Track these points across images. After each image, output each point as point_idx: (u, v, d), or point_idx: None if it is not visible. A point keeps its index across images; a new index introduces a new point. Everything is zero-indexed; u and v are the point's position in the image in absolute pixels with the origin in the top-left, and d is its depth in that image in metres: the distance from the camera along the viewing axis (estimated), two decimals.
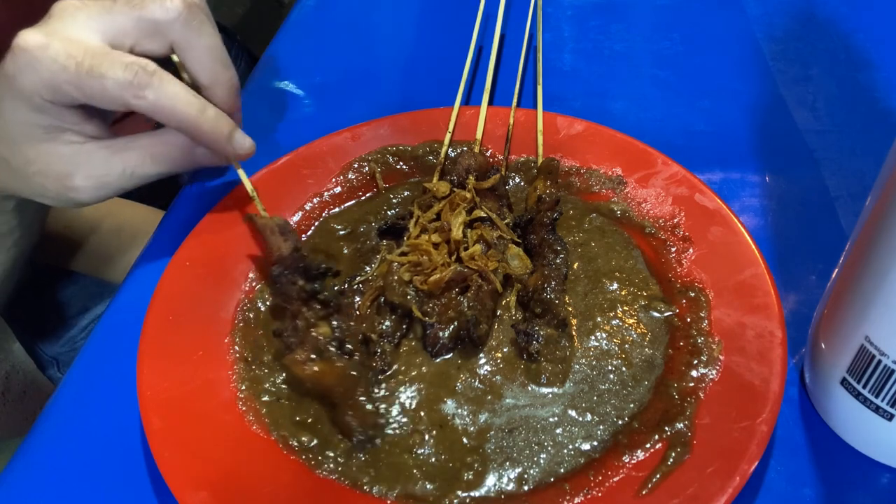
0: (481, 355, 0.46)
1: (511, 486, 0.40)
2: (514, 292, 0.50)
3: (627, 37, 0.77)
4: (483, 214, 0.52)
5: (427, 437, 0.43)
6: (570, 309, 0.48)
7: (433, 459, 0.42)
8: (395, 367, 0.46)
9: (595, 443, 0.42)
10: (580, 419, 0.43)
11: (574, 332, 0.47)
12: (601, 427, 0.42)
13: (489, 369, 0.46)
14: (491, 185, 0.53)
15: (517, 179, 0.58)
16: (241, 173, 0.52)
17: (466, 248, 0.49)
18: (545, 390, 0.44)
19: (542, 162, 0.57)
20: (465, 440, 0.42)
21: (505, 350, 0.47)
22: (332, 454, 0.42)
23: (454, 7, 0.79)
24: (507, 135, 0.59)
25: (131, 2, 0.46)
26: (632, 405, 0.43)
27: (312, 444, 0.42)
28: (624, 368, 0.45)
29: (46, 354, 0.89)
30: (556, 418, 0.43)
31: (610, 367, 0.45)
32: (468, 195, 0.52)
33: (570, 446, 0.42)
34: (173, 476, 0.39)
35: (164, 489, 0.40)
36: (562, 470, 0.41)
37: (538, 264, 0.50)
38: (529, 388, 0.45)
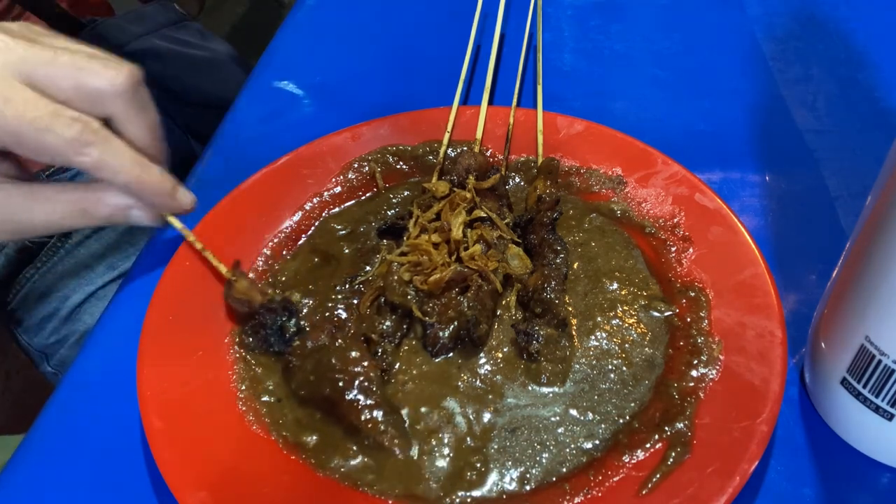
0: (482, 355, 0.46)
1: (513, 486, 0.40)
2: (514, 292, 0.50)
3: (627, 37, 0.77)
4: (483, 214, 0.52)
5: (429, 436, 0.43)
6: (570, 309, 0.48)
7: (435, 459, 0.42)
8: (395, 366, 0.46)
9: (597, 441, 0.42)
10: (581, 418, 0.43)
11: (574, 332, 0.47)
12: (602, 426, 0.42)
13: (490, 369, 0.46)
14: (491, 185, 0.53)
15: (517, 179, 0.58)
16: (182, 228, 0.50)
17: (466, 248, 0.49)
18: (546, 390, 0.44)
19: (542, 162, 0.57)
20: (468, 440, 0.42)
21: (505, 350, 0.47)
22: (333, 453, 0.42)
23: (454, 7, 0.79)
24: (507, 135, 0.59)
25: (76, 62, 0.43)
26: (632, 404, 0.43)
27: (314, 443, 0.42)
28: (624, 368, 0.45)
29: (34, 349, 0.89)
30: (557, 417, 0.43)
31: (610, 367, 0.45)
32: (468, 195, 0.52)
33: (572, 445, 0.42)
34: (173, 476, 0.39)
35: (164, 489, 0.40)
36: (564, 469, 0.41)
37: (538, 264, 0.50)
38: (530, 388, 0.45)
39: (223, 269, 0.49)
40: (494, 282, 0.48)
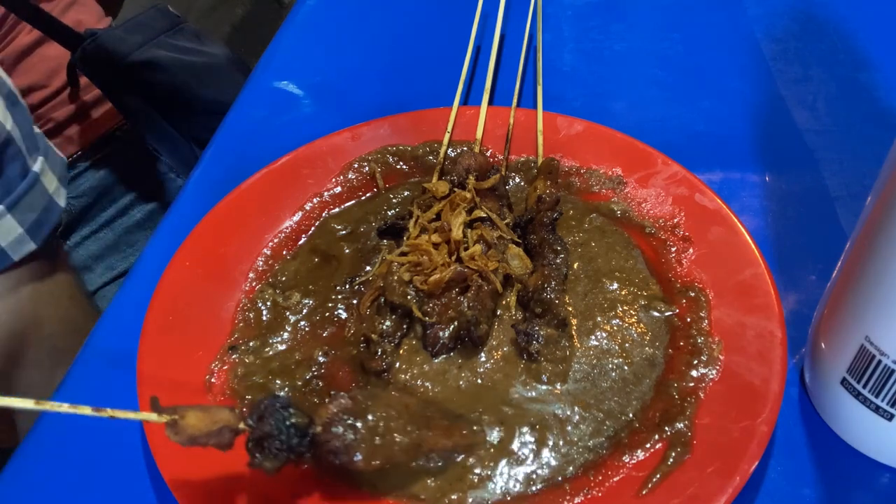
0: (482, 355, 0.46)
1: (516, 487, 0.40)
2: (513, 292, 0.50)
3: (627, 37, 0.77)
4: (483, 214, 0.51)
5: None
6: (570, 309, 0.48)
7: (437, 459, 0.42)
8: (395, 366, 0.46)
9: (600, 439, 0.42)
10: (584, 417, 0.43)
11: (574, 332, 0.47)
12: (607, 423, 0.42)
13: (490, 368, 0.46)
14: (491, 185, 0.53)
15: (517, 179, 0.58)
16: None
17: (466, 248, 0.49)
18: (547, 389, 0.44)
19: (542, 162, 0.57)
20: (469, 440, 0.42)
21: (505, 350, 0.47)
22: None
23: (454, 7, 0.79)
24: (507, 135, 0.59)
25: None
26: (634, 402, 0.43)
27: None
28: (626, 367, 0.45)
29: None
30: (559, 417, 0.43)
31: (611, 366, 0.45)
32: (468, 195, 0.52)
33: (579, 444, 0.42)
34: (173, 476, 0.39)
35: (165, 489, 0.40)
36: (570, 468, 0.41)
37: (538, 264, 0.50)
38: (531, 388, 0.44)
39: (148, 416, 0.35)
40: (494, 282, 0.48)
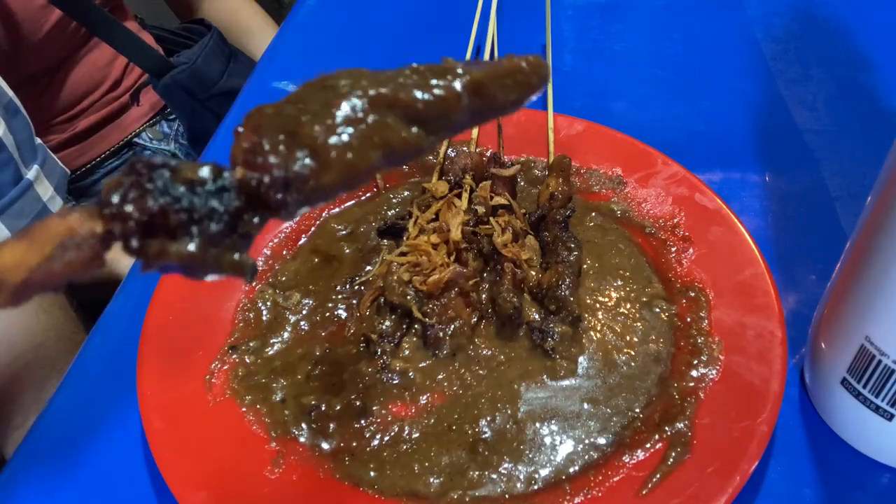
0: (489, 351, 0.46)
1: (519, 485, 0.40)
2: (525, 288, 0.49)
3: (627, 37, 0.77)
4: (505, 202, 0.51)
5: (432, 434, 0.43)
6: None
7: (440, 456, 0.42)
8: (397, 366, 0.46)
9: (609, 436, 0.42)
10: (592, 413, 0.43)
11: (581, 329, 0.47)
12: (614, 419, 0.42)
13: (496, 365, 0.46)
14: (512, 175, 0.53)
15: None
16: None
17: (467, 249, 0.49)
18: (557, 385, 0.44)
19: (553, 159, 0.57)
20: (470, 438, 0.42)
21: (518, 346, 0.46)
22: (336, 449, 0.42)
23: (454, 7, 0.79)
24: (497, 129, 0.59)
25: None
26: (641, 398, 0.43)
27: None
28: (632, 363, 0.45)
29: None
30: (567, 414, 0.43)
31: (618, 362, 0.45)
32: (463, 203, 0.51)
33: (587, 441, 0.42)
34: (173, 476, 0.39)
35: (164, 489, 0.40)
36: (572, 468, 0.41)
37: (552, 261, 0.49)
38: (540, 385, 0.44)
39: None
40: (527, 272, 0.48)
